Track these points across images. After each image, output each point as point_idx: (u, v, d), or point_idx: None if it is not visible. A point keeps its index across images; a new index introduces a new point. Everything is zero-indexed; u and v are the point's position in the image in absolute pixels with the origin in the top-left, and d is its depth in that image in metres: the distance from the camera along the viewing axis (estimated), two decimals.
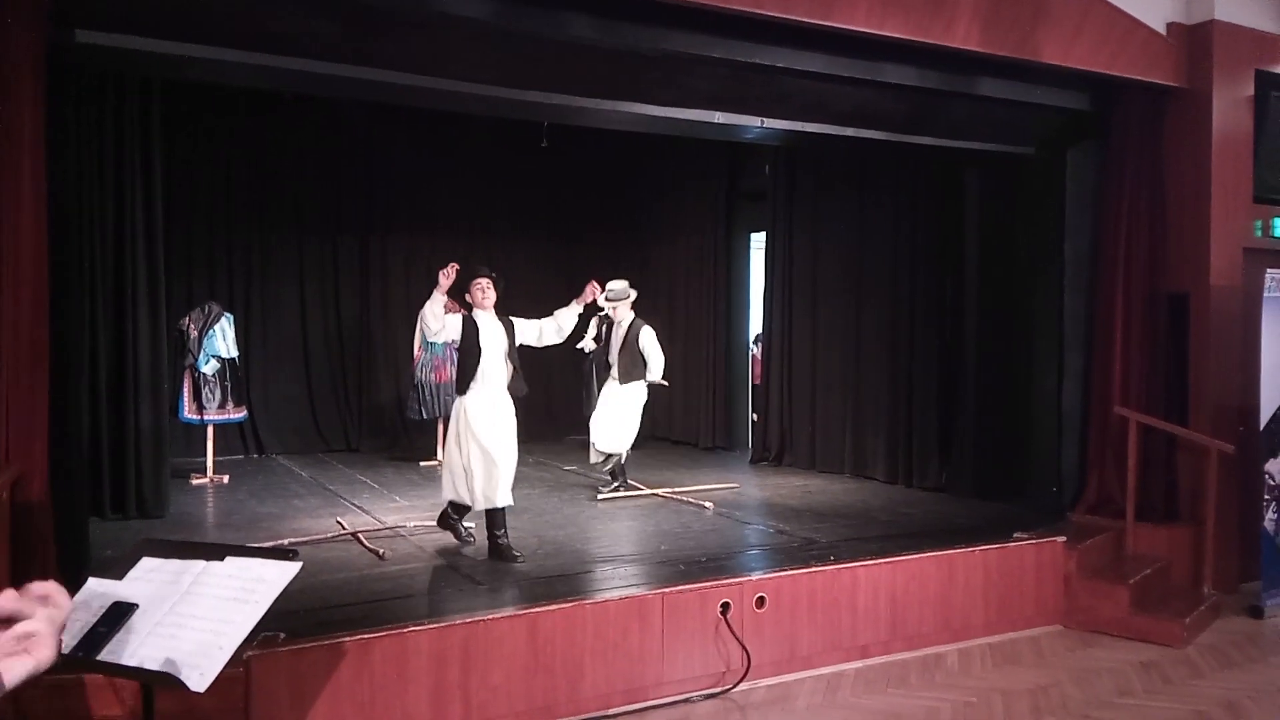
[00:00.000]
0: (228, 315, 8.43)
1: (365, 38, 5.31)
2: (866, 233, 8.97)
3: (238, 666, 3.86)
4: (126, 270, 6.75)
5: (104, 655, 2.47)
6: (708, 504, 7.43)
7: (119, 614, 2.54)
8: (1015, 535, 6.25)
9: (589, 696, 4.71)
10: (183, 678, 2.42)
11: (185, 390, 8.16)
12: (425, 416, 9.33)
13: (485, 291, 5.91)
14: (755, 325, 10.94)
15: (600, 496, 7.70)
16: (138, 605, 2.56)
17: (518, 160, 10.68)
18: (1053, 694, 5.09)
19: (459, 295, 6.07)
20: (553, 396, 10.88)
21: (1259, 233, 7.15)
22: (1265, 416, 6.54)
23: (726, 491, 8.09)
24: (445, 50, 5.54)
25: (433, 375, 9.25)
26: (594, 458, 8.12)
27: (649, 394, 8.13)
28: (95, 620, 2.52)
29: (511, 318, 6.03)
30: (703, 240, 11.17)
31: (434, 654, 4.34)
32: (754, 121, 6.76)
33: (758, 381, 10.66)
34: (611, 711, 4.75)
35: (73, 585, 2.82)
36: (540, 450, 9.80)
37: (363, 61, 5.55)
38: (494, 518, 5.81)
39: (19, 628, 1.26)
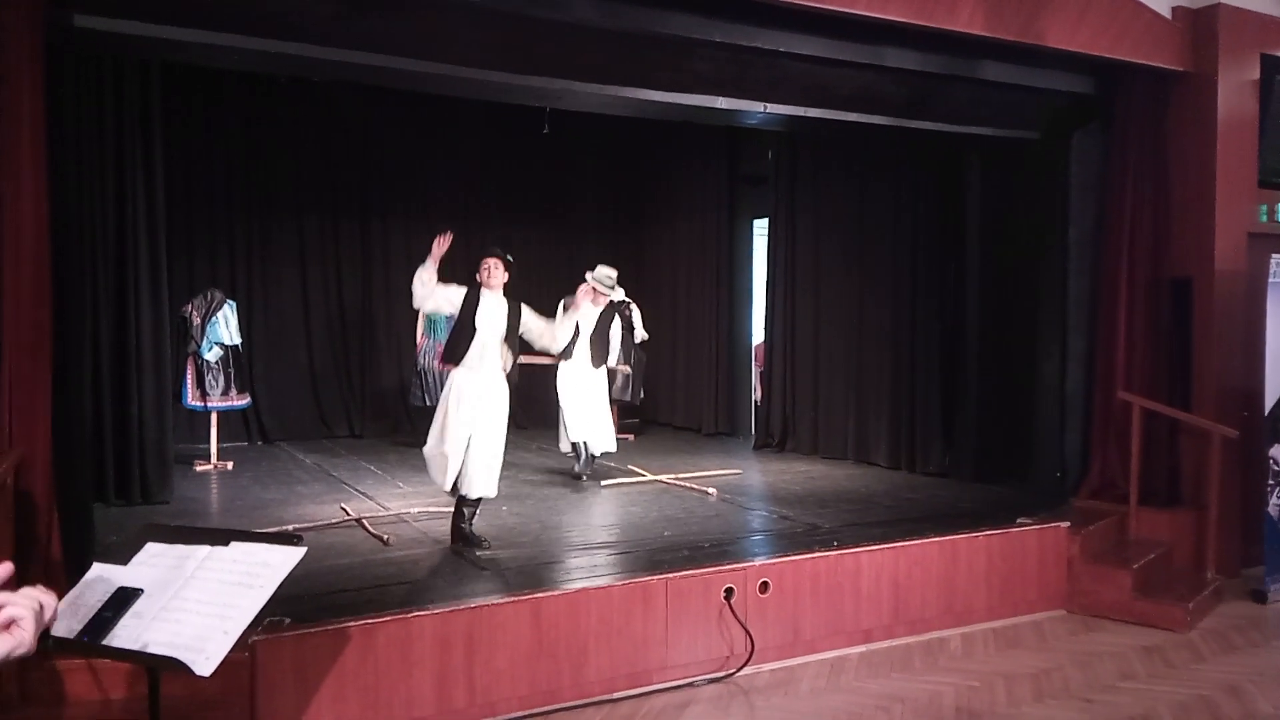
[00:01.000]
0: (230, 302, 8.42)
1: (364, 20, 5.28)
2: (869, 218, 8.94)
3: (243, 651, 3.87)
4: (128, 255, 6.73)
5: (109, 640, 2.48)
6: (711, 490, 7.44)
7: (124, 599, 2.54)
8: (1018, 520, 6.25)
9: (593, 681, 4.72)
10: (188, 662, 2.43)
11: (188, 377, 8.17)
12: (428, 403, 9.30)
13: (492, 271, 5.81)
14: (758, 311, 10.93)
15: (604, 483, 7.71)
16: (143, 590, 2.57)
17: (519, 144, 10.65)
18: (1055, 678, 5.10)
19: (470, 273, 6.00)
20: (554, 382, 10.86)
21: (1264, 217, 7.12)
22: (1269, 401, 6.53)
23: (729, 477, 8.09)
24: (444, 33, 5.51)
25: (435, 361, 9.24)
26: (565, 447, 8.05)
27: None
28: (100, 605, 2.53)
29: (522, 304, 5.90)
30: (705, 226, 11.15)
31: (438, 639, 4.35)
32: (756, 106, 6.72)
33: (761, 367, 10.65)
34: (615, 695, 4.76)
35: (77, 570, 2.83)
36: (544, 437, 9.80)
37: (362, 45, 5.52)
38: (469, 503, 5.73)
39: (4, 612, 1.33)
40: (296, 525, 5.99)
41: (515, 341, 5.86)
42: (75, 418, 5.08)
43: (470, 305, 5.78)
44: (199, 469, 8.20)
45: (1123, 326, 7.05)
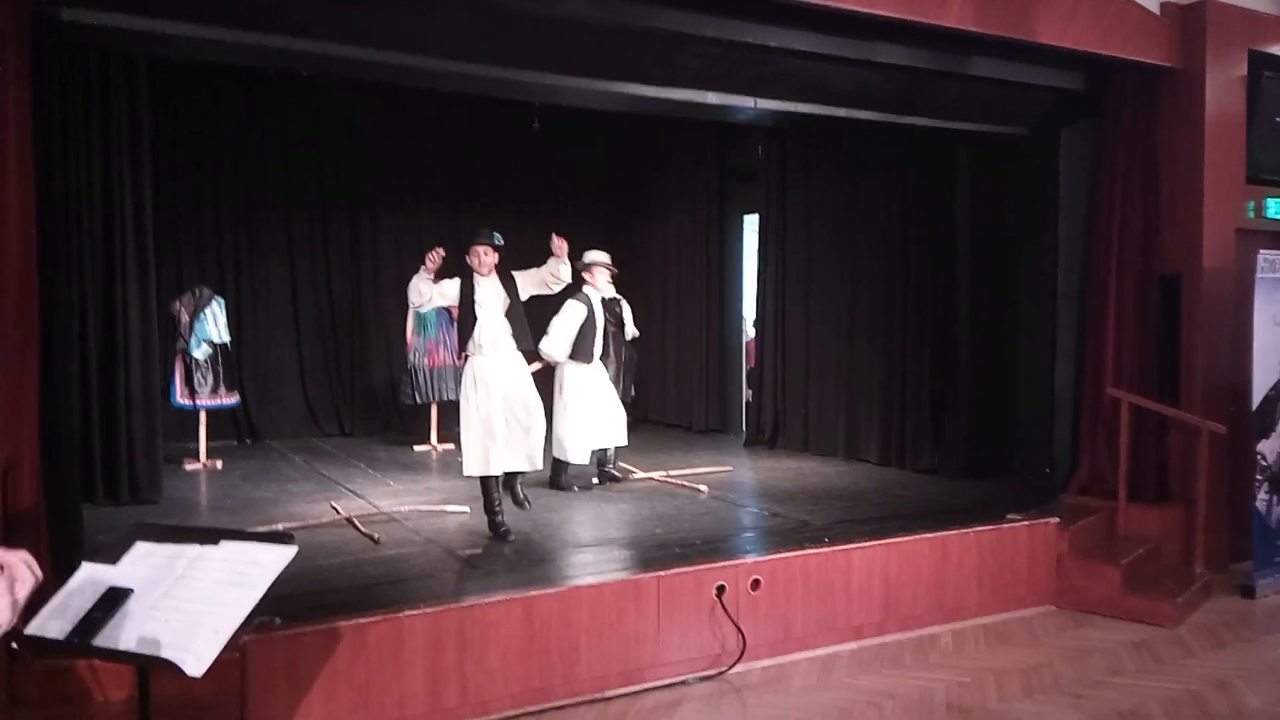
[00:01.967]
0: (218, 299, 8.37)
1: (353, 14, 5.25)
2: (859, 214, 8.95)
3: (234, 651, 3.83)
4: (115, 252, 6.69)
5: (99, 640, 2.47)
6: (702, 487, 7.43)
7: (114, 599, 2.52)
8: (1008, 516, 6.27)
9: (585, 679, 4.72)
10: (178, 662, 2.41)
11: (177, 375, 8.12)
12: (419, 401, 9.31)
13: (482, 258, 5.96)
14: (749, 307, 10.93)
15: (595, 481, 7.69)
16: (133, 590, 2.55)
17: (508, 139, 10.60)
18: (1045, 673, 5.11)
19: (458, 264, 6.08)
20: (547, 379, 10.84)
21: (1252, 214, 7.15)
22: (1257, 397, 6.56)
23: (721, 474, 8.09)
24: (434, 27, 5.48)
25: (425, 359, 9.22)
26: (582, 458, 7.45)
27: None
28: (90, 605, 2.51)
29: (512, 272, 6.09)
30: (695, 222, 11.14)
31: (430, 637, 4.34)
32: (747, 102, 6.71)
33: (752, 364, 10.65)
34: (607, 694, 4.76)
35: (65, 570, 2.80)
36: None
37: (351, 39, 5.49)
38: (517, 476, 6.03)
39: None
40: (287, 524, 5.96)
41: (522, 317, 6.01)
42: (63, 416, 5.04)
43: (468, 294, 5.93)
44: (188, 468, 8.16)
45: (1112, 322, 7.08)
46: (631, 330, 10.28)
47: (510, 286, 6.04)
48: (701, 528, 6.21)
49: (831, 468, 8.57)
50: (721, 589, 5.06)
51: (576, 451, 7.40)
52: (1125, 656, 5.39)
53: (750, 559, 5.29)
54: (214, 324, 8.17)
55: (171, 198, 9.28)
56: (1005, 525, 6.16)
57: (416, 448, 9.35)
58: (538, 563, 5.35)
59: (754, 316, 10.61)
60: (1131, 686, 4.95)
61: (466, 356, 6.03)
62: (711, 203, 11.00)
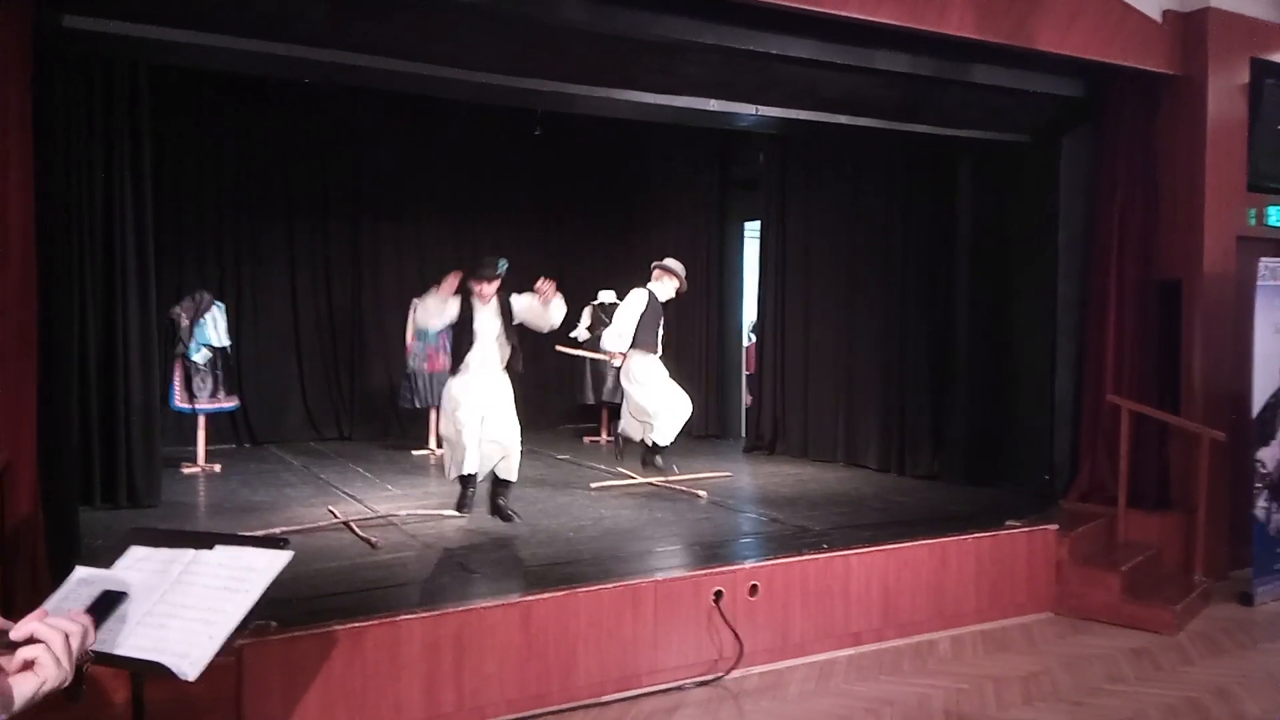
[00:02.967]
0: (219, 304, 8.38)
1: (355, 21, 5.26)
2: (859, 221, 8.95)
3: (229, 655, 3.84)
4: (115, 257, 6.69)
5: (93, 645, 2.45)
6: (701, 492, 7.43)
7: (108, 603, 2.51)
8: (1007, 523, 6.27)
9: (582, 684, 4.71)
10: (173, 667, 2.40)
11: (176, 379, 8.12)
12: (418, 405, 9.32)
13: (484, 289, 6.13)
14: (749, 314, 10.92)
15: (594, 486, 7.69)
16: (127, 594, 2.54)
17: (509, 147, 10.63)
18: (1044, 681, 5.10)
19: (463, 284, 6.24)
20: (546, 385, 10.86)
21: (1253, 221, 7.15)
22: (1257, 404, 6.56)
23: (720, 480, 8.08)
24: (435, 35, 5.49)
25: (425, 364, 9.22)
26: (640, 432, 7.64)
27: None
28: (84, 609, 2.50)
29: (511, 297, 6.24)
30: (696, 228, 11.14)
31: (427, 642, 4.34)
32: (748, 109, 6.72)
33: (751, 370, 10.65)
34: (605, 699, 4.75)
35: (62, 574, 2.80)
36: (533, 439, 9.77)
37: (352, 47, 5.51)
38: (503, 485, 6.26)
39: (26, 651, 1.34)
40: (284, 528, 5.96)
41: (514, 334, 6.21)
42: (62, 420, 5.05)
43: (467, 317, 6.13)
44: (186, 471, 8.16)
45: (1112, 329, 7.07)
46: None
47: (506, 312, 6.20)
48: (700, 533, 6.20)
49: (831, 473, 8.56)
50: (719, 594, 5.06)
51: (664, 433, 7.50)
52: (1124, 664, 5.37)
53: (749, 564, 5.28)
54: (214, 328, 8.18)
55: (172, 204, 9.28)
56: (1005, 532, 6.16)
57: (415, 452, 9.35)
58: (535, 567, 5.34)
59: (754, 322, 10.61)
60: (1131, 694, 4.95)
61: (456, 371, 6.21)
62: (712, 209, 11.01)
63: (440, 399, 9.15)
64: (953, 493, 7.61)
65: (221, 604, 2.54)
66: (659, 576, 4.99)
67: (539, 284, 6.16)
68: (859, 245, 8.94)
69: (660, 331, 7.71)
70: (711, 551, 5.67)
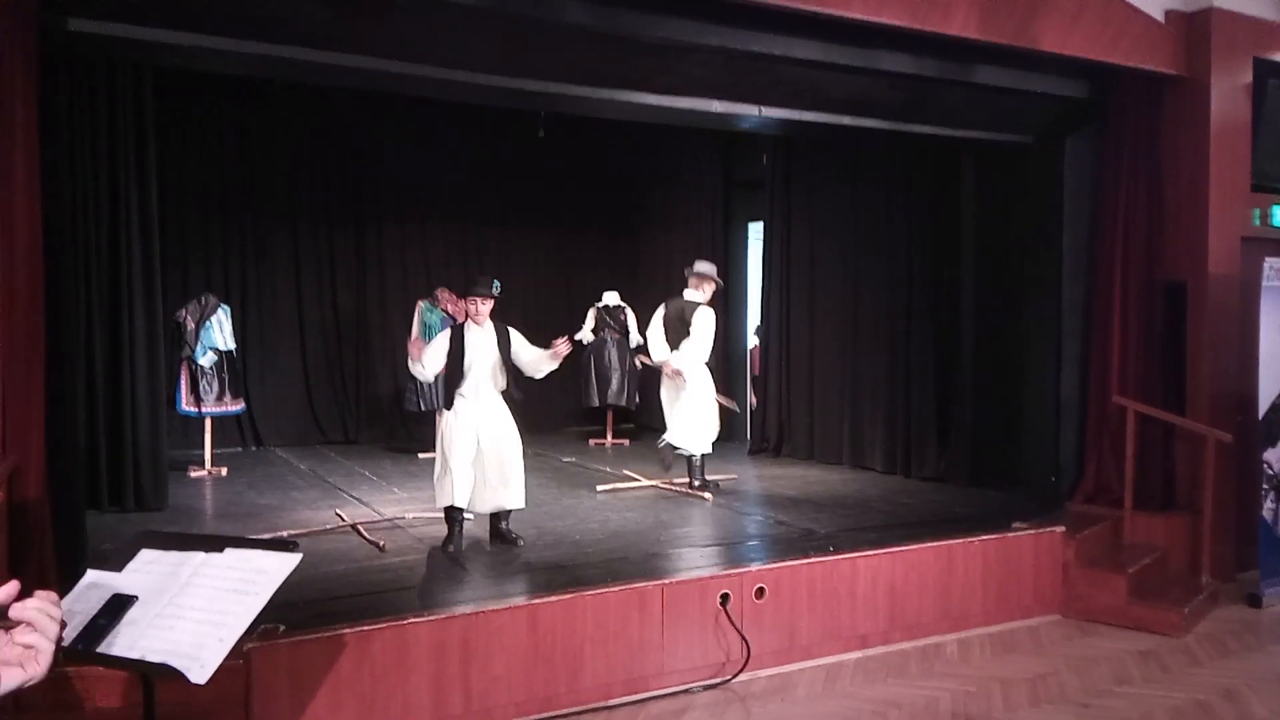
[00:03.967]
0: (224, 307, 8.40)
1: (358, 24, 5.27)
2: (864, 222, 8.95)
3: (238, 658, 3.84)
4: (121, 260, 6.71)
5: (104, 647, 2.46)
6: (706, 495, 7.42)
7: (118, 606, 2.52)
8: (1013, 525, 6.26)
9: (589, 687, 4.71)
10: (183, 670, 2.41)
11: (183, 382, 8.14)
12: (423, 408, 9.32)
13: (479, 307, 5.78)
14: (753, 316, 10.92)
15: (599, 488, 7.69)
16: (137, 597, 2.55)
17: (513, 149, 10.64)
18: (1051, 683, 5.10)
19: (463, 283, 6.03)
20: (550, 388, 10.84)
21: (1257, 221, 7.14)
22: (1263, 405, 6.55)
23: (725, 482, 8.07)
24: (438, 36, 5.50)
25: (411, 358, 9.20)
26: (708, 448, 7.69)
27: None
28: (95, 612, 2.50)
29: (510, 330, 5.91)
30: (700, 230, 11.13)
31: (434, 645, 4.34)
32: (751, 110, 6.73)
33: (756, 372, 10.64)
34: (612, 702, 4.75)
35: (70, 578, 2.81)
36: (539, 442, 9.78)
37: (355, 49, 5.52)
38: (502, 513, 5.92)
39: (22, 638, 1.29)
40: (291, 531, 5.97)
41: (507, 366, 5.86)
42: (69, 424, 5.06)
43: (457, 346, 5.75)
44: (193, 475, 8.18)
45: (1117, 331, 7.07)
46: (635, 338, 10.33)
47: (504, 339, 5.83)
48: (706, 536, 6.20)
49: (836, 476, 8.56)
50: (726, 597, 5.05)
51: (703, 442, 7.57)
52: (1131, 666, 5.36)
53: (755, 567, 5.28)
54: (220, 331, 8.19)
55: (177, 207, 9.30)
56: (1011, 534, 6.15)
57: (421, 455, 9.34)
58: (542, 570, 5.34)
59: (758, 324, 10.60)
60: (1138, 696, 4.94)
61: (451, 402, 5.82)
62: (716, 211, 11.00)
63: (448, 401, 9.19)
64: (958, 495, 7.60)
65: (231, 607, 2.55)
66: (666, 579, 4.99)
67: (557, 345, 5.82)
68: (863, 246, 8.94)
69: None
70: (717, 554, 5.66)
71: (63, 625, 1.37)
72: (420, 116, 9.94)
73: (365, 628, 4.22)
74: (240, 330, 9.27)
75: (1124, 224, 7.07)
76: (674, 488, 7.70)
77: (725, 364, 10.95)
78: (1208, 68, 6.88)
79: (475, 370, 5.76)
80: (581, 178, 11.61)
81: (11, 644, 1.29)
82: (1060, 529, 6.28)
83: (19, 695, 3.69)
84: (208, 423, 8.33)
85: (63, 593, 2.69)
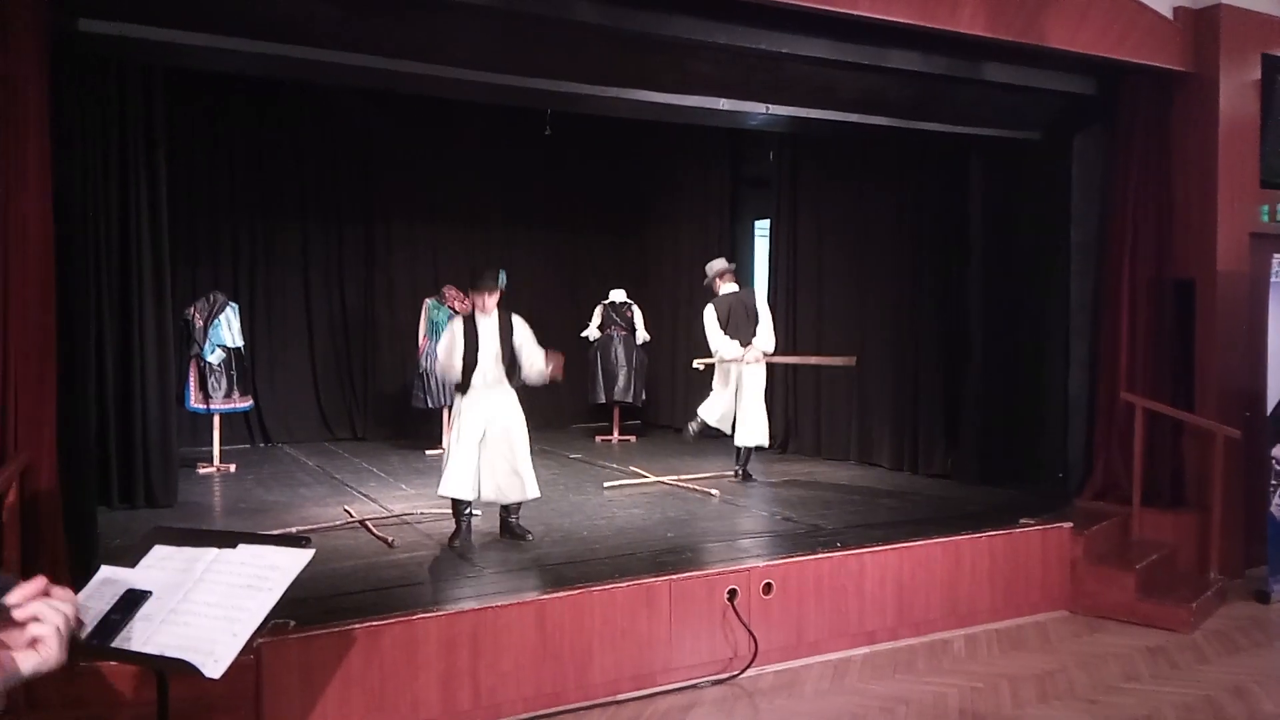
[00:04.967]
0: (233, 305, 8.43)
1: (367, 23, 5.29)
2: (871, 219, 8.95)
3: (249, 654, 3.86)
4: (132, 259, 6.75)
5: (118, 642, 2.48)
6: (713, 491, 7.44)
7: (132, 601, 2.54)
8: (1021, 521, 6.26)
9: (597, 683, 4.73)
10: (197, 664, 2.43)
11: (191, 380, 8.18)
12: (431, 405, 9.34)
13: (486, 300, 5.90)
14: None
15: (606, 485, 7.71)
16: (151, 593, 2.57)
17: (520, 147, 10.66)
18: (1059, 679, 5.10)
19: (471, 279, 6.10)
20: (557, 385, 10.84)
21: (1266, 218, 7.12)
22: (1272, 401, 6.53)
23: (732, 478, 8.08)
24: (447, 36, 5.52)
25: (438, 364, 9.24)
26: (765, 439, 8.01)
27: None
28: (109, 608, 2.52)
29: (515, 318, 5.97)
30: (706, 228, 11.15)
31: (443, 641, 4.36)
32: (758, 108, 6.73)
33: None
34: (620, 697, 4.77)
35: (83, 574, 2.83)
36: (545, 439, 9.80)
37: (364, 48, 5.53)
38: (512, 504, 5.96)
39: (33, 628, 1.35)
40: (300, 528, 6.00)
41: (513, 356, 5.91)
42: (80, 422, 5.09)
43: (470, 335, 5.87)
44: (201, 471, 8.21)
45: (1125, 327, 7.05)
46: (642, 334, 10.35)
47: (507, 328, 5.90)
48: (713, 532, 6.21)
49: (843, 472, 8.56)
50: (733, 593, 5.07)
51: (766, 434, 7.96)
52: (1140, 662, 5.36)
53: (762, 563, 5.29)
54: (228, 329, 8.23)
55: (187, 207, 9.34)
56: (1019, 530, 6.15)
57: (428, 452, 9.38)
58: (549, 566, 5.36)
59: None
60: (1146, 692, 4.94)
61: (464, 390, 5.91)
62: (723, 208, 11.01)
63: (451, 398, 9.22)
64: (966, 491, 7.60)
65: (244, 602, 2.57)
66: (673, 575, 5.00)
67: (554, 367, 5.91)
68: (870, 243, 8.94)
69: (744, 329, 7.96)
70: (725, 550, 5.68)
71: (79, 620, 1.42)
72: (428, 116, 9.96)
73: (375, 623, 4.24)
74: (249, 328, 9.31)
75: (1132, 220, 7.06)
76: (682, 485, 7.72)
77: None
78: (1216, 64, 6.86)
79: (484, 359, 5.86)
80: (588, 176, 11.63)
81: (23, 633, 1.35)
82: (1068, 525, 6.28)
83: (32, 690, 3.72)
84: (216, 420, 8.37)
85: (75, 589, 2.71)
